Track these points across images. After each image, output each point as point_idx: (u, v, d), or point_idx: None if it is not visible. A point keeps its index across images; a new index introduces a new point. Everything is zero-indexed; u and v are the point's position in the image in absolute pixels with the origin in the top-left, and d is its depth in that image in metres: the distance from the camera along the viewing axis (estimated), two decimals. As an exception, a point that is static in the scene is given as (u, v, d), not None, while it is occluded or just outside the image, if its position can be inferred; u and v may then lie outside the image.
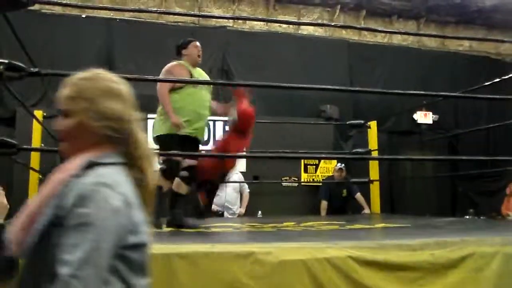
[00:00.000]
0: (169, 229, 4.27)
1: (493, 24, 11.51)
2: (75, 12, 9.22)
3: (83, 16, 9.24)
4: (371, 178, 7.22)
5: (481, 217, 8.76)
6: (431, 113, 10.71)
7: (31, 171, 6.15)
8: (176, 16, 9.82)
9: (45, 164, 6.41)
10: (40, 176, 6.15)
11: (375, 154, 7.25)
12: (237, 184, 7.67)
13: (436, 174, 10.71)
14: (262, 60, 9.74)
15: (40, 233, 1.38)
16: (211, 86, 5.12)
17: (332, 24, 10.45)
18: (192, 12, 10.11)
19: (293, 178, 8.81)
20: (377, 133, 7.49)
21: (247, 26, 10.36)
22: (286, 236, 3.71)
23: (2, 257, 2.24)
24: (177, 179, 4.53)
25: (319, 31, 10.97)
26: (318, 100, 9.69)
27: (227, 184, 6.79)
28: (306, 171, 9.00)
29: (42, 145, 6.28)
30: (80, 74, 1.59)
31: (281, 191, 8.36)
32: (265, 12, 10.61)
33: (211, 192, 5.66)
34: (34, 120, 6.04)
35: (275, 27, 10.60)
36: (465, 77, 10.60)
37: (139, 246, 1.42)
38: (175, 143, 4.45)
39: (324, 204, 7.99)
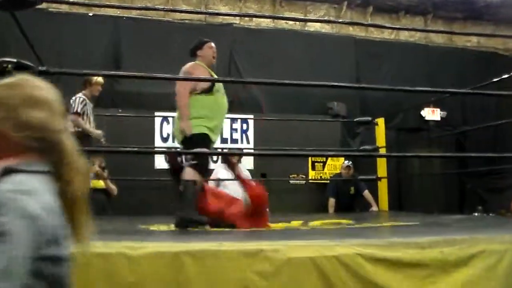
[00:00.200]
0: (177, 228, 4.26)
1: (501, 20, 11.44)
2: (82, 10, 9.25)
3: (90, 14, 9.27)
4: (379, 175, 7.21)
5: (490, 214, 8.73)
6: (439, 109, 10.68)
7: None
8: (182, 14, 9.82)
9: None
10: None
11: (382, 151, 7.23)
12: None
13: (444, 171, 10.67)
14: (269, 57, 9.73)
15: None
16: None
17: (339, 20, 10.44)
18: (199, 10, 10.11)
19: (300, 175, 8.80)
20: (385, 130, 7.48)
21: (254, 23, 10.35)
22: (294, 234, 3.70)
23: None
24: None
25: (325, 28, 10.94)
26: (325, 97, 9.67)
27: (234, 182, 6.77)
28: (313, 168, 8.99)
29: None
30: (3, 81, 1.49)
31: (289, 189, 8.36)
32: (272, 9, 10.60)
33: None
34: (42, 119, 6.04)
35: (282, 24, 10.58)
36: (473, 73, 10.54)
37: (59, 260, 1.33)
38: (207, 144, 4.39)
39: (331, 201, 7.97)
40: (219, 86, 4.63)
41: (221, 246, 2.61)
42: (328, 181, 8.44)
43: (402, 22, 11.24)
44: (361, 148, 7.38)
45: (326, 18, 10.97)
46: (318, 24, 10.93)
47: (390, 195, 7.46)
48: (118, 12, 9.37)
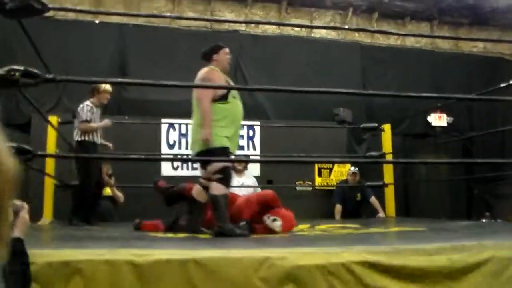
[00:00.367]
0: (184, 235, 4.26)
1: (507, 25, 11.41)
2: (88, 18, 9.30)
3: (96, 21, 9.31)
4: (386, 182, 7.18)
5: (498, 220, 8.68)
6: (445, 115, 10.65)
7: (46, 177, 6.18)
8: (188, 21, 9.86)
9: (60, 169, 6.46)
10: (55, 182, 6.19)
11: (389, 157, 7.21)
12: (251, 189, 7.66)
13: (451, 177, 10.63)
14: (274, 63, 9.75)
15: None
16: None
17: (345, 27, 10.44)
18: (205, 17, 10.14)
19: (307, 182, 8.79)
20: (391, 136, 7.46)
21: (260, 30, 10.38)
22: (301, 241, 3.69)
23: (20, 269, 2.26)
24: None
25: (331, 34, 10.95)
26: (331, 104, 9.66)
27: (241, 188, 6.77)
28: (320, 175, 8.97)
29: (57, 150, 6.32)
30: None
31: (295, 195, 8.33)
32: (278, 16, 10.62)
33: None
34: (49, 126, 6.08)
35: (288, 30, 10.60)
36: (479, 79, 10.54)
37: None
38: (227, 156, 4.33)
39: (338, 208, 7.95)
40: (235, 92, 4.55)
41: (228, 253, 2.61)
42: (335, 188, 8.41)
43: (408, 28, 11.24)
44: (368, 154, 7.35)
45: (331, 24, 10.99)
46: (324, 30, 10.95)
47: (396, 201, 7.43)
48: (124, 20, 9.42)
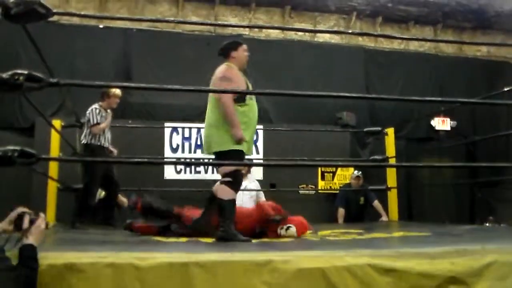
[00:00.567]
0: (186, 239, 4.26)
1: (511, 29, 11.40)
2: (92, 22, 9.34)
3: (101, 26, 9.35)
4: (389, 185, 7.18)
5: (501, 225, 8.65)
6: (449, 119, 10.64)
7: (49, 180, 6.20)
8: (192, 25, 9.88)
9: (63, 173, 6.47)
10: (59, 185, 6.20)
11: (392, 161, 7.20)
12: (254, 192, 7.65)
13: (455, 181, 10.61)
14: (278, 68, 9.75)
15: None
16: None
17: (349, 31, 10.45)
18: (209, 21, 10.18)
19: (310, 185, 8.78)
20: (395, 140, 7.45)
21: (263, 34, 10.39)
22: (304, 244, 3.69)
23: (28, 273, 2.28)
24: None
25: (335, 39, 10.96)
26: (335, 107, 9.67)
27: (244, 192, 6.77)
28: (323, 178, 8.97)
29: (61, 154, 6.33)
30: None
31: (298, 199, 8.33)
32: (281, 20, 10.64)
33: None
34: (53, 130, 6.10)
35: (291, 35, 10.62)
36: (483, 83, 10.53)
37: None
38: (240, 160, 4.21)
39: (341, 211, 7.94)
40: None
41: (231, 257, 2.61)
42: (338, 191, 8.40)
43: (411, 32, 11.24)
44: (371, 158, 7.35)
45: (335, 28, 11.00)
46: (328, 34, 10.96)
47: (400, 205, 7.42)
48: (129, 24, 9.45)
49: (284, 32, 10.56)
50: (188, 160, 8.62)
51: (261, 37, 10.30)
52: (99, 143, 6.05)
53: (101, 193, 6.80)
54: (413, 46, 11.41)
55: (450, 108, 9.56)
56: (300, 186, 8.68)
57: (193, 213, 4.57)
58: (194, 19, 10.10)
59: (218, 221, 4.09)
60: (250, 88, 4.44)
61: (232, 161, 4.14)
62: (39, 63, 3.82)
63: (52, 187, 6.30)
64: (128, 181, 6.79)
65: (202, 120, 8.78)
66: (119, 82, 8.56)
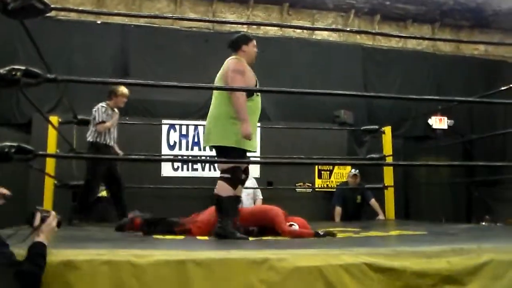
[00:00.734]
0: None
1: (509, 28, 11.42)
2: (90, 18, 9.31)
3: (98, 22, 9.33)
4: (386, 184, 7.18)
5: (498, 224, 8.67)
6: (446, 118, 10.66)
7: (46, 177, 6.19)
8: (190, 22, 9.87)
9: (60, 169, 6.46)
10: (56, 182, 6.19)
11: (389, 159, 7.20)
12: (251, 190, 7.66)
13: (451, 179, 10.63)
14: (276, 65, 9.74)
15: None
16: None
17: (347, 29, 10.46)
18: (207, 18, 10.16)
19: (307, 184, 8.78)
20: (392, 139, 7.45)
21: (262, 31, 10.38)
22: (300, 243, 3.69)
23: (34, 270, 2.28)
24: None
25: (333, 36, 10.97)
26: (332, 105, 9.67)
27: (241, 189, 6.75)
28: (320, 176, 8.97)
29: (58, 150, 6.32)
30: None
31: (295, 197, 8.34)
32: (279, 17, 10.64)
33: None
34: (50, 126, 6.09)
35: (289, 32, 10.60)
36: (481, 82, 10.55)
37: None
38: (241, 157, 4.17)
39: (338, 210, 7.95)
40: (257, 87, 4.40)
41: (228, 255, 2.61)
42: (335, 190, 8.41)
43: (409, 31, 11.25)
44: (368, 156, 7.36)
45: (333, 26, 11.01)
46: (326, 32, 10.97)
47: (396, 203, 7.42)
48: (126, 20, 9.44)
49: (282, 29, 10.54)
50: (185, 158, 8.61)
51: (259, 34, 10.28)
52: (104, 142, 6.05)
53: (101, 191, 6.81)
54: (411, 44, 11.43)
55: (448, 107, 9.57)
56: (297, 184, 8.68)
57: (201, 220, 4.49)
58: (192, 15, 10.08)
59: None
60: (258, 83, 4.38)
61: (229, 159, 4.11)
62: (37, 58, 3.81)
63: (49, 184, 6.28)
64: (125, 178, 6.78)
65: (199, 117, 8.86)
66: (116, 78, 8.55)
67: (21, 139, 5.22)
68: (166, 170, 8.29)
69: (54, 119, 6.25)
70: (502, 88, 5.15)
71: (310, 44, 10.55)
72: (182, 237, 4.14)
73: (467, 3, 10.60)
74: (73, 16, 9.25)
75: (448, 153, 10.18)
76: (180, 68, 9.03)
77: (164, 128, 8.46)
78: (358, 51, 10.81)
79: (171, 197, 7.44)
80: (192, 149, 8.56)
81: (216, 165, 8.15)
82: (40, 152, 3.03)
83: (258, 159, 8.68)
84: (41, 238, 2.41)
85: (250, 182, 7.49)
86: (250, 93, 4.18)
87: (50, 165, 6.28)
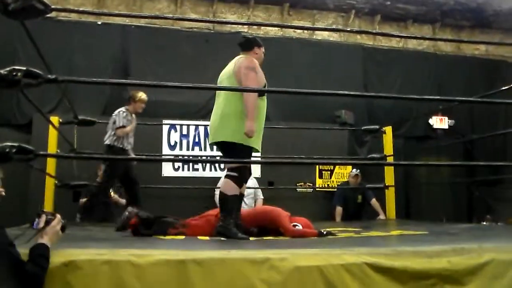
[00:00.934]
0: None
1: (509, 28, 11.41)
2: (91, 19, 9.31)
3: (99, 22, 9.32)
4: (387, 184, 7.17)
5: (499, 223, 8.66)
6: (447, 118, 10.66)
7: (47, 177, 6.19)
8: (191, 22, 9.87)
9: (61, 169, 6.47)
10: (56, 182, 6.19)
11: (390, 159, 7.20)
12: (252, 190, 7.66)
13: (452, 179, 10.63)
14: (276, 65, 9.73)
15: None
16: None
17: (347, 29, 10.45)
18: (207, 18, 10.16)
19: (308, 183, 8.78)
20: (393, 138, 7.44)
21: (262, 31, 10.38)
22: (301, 242, 3.69)
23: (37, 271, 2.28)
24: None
25: (333, 36, 10.96)
26: (333, 106, 9.67)
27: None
28: (321, 176, 8.98)
29: (58, 151, 6.32)
30: None
31: (296, 197, 8.34)
32: (280, 18, 10.63)
33: None
34: (50, 126, 6.09)
35: (290, 32, 10.60)
36: (482, 82, 10.54)
37: None
38: (248, 156, 4.21)
39: (338, 210, 7.95)
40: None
41: (228, 254, 2.61)
42: (336, 190, 8.41)
43: (410, 31, 11.24)
44: (369, 156, 7.35)
45: (334, 26, 11.01)
46: (326, 32, 10.96)
47: (397, 203, 7.42)
48: (127, 21, 9.44)
49: (282, 29, 10.53)
50: (186, 158, 8.61)
51: (260, 35, 10.26)
52: (121, 146, 6.20)
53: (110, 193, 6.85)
54: (412, 44, 11.42)
55: (448, 107, 9.57)
56: (297, 184, 8.69)
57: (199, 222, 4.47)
58: (193, 16, 10.08)
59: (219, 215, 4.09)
60: (267, 84, 4.38)
61: (237, 156, 4.10)
62: (37, 59, 3.81)
63: (49, 184, 6.28)
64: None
65: (200, 117, 8.85)
66: (117, 78, 8.56)
67: (21, 140, 5.22)
68: (167, 170, 8.30)
69: (54, 119, 6.25)
70: (503, 88, 5.14)
71: (310, 44, 10.54)
72: (182, 237, 4.13)
73: (468, 3, 10.60)
74: (73, 16, 9.24)
75: (449, 153, 10.18)
76: (180, 68, 9.04)
77: (165, 128, 8.46)
78: (359, 51, 10.80)
79: (172, 197, 7.44)
80: (192, 149, 8.56)
81: (220, 164, 8.20)
82: (41, 152, 3.03)
83: (259, 159, 8.70)
84: (45, 240, 2.42)
85: (251, 182, 7.49)
86: (261, 92, 4.21)
87: (50, 165, 6.28)
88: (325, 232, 4.27)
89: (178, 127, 8.51)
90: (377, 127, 7.25)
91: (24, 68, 2.77)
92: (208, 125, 4.53)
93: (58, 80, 3.03)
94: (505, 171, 9.15)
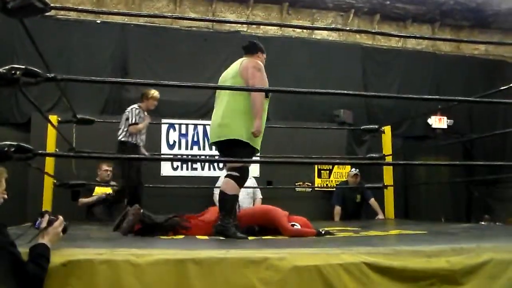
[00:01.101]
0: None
1: (508, 28, 11.42)
2: (90, 17, 9.30)
3: (98, 21, 9.32)
4: (385, 183, 7.17)
5: (497, 223, 8.67)
6: (445, 117, 10.66)
7: (45, 176, 6.18)
8: (190, 21, 9.85)
9: (59, 168, 6.46)
10: (55, 181, 6.19)
11: (389, 159, 7.20)
12: (250, 189, 7.66)
13: (451, 179, 10.63)
14: (276, 64, 9.71)
15: None
16: None
17: (346, 28, 10.45)
18: (206, 17, 10.15)
19: (306, 183, 8.78)
20: (392, 138, 7.45)
21: (261, 30, 10.38)
22: (300, 242, 3.69)
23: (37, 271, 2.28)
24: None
25: (333, 36, 10.96)
26: (332, 105, 9.67)
27: (241, 189, 6.75)
28: (319, 176, 8.98)
29: (57, 150, 6.32)
30: None
31: (295, 197, 8.34)
32: (279, 17, 10.62)
33: None
34: (49, 125, 6.08)
35: (289, 31, 10.59)
36: (481, 81, 10.54)
37: None
38: (250, 156, 4.25)
39: (337, 209, 7.95)
40: None
41: (227, 254, 2.61)
42: (334, 189, 8.41)
43: (409, 30, 11.24)
44: (368, 156, 7.36)
45: (333, 26, 10.99)
46: (325, 32, 10.95)
47: (396, 203, 7.42)
48: (126, 19, 9.42)
49: (281, 28, 10.53)
50: (185, 157, 8.61)
51: (259, 34, 10.27)
52: (135, 142, 6.25)
53: (99, 190, 6.84)
54: (411, 44, 11.42)
55: (447, 107, 9.57)
56: (296, 184, 8.68)
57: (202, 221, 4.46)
58: (192, 15, 10.07)
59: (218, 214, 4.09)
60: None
61: (240, 154, 4.10)
62: (36, 58, 3.80)
63: (48, 183, 6.28)
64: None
65: (199, 116, 8.85)
66: (116, 77, 8.55)
67: (20, 138, 5.21)
68: (166, 169, 8.29)
69: (53, 118, 6.25)
70: (502, 88, 5.15)
71: (309, 43, 10.54)
72: (181, 236, 4.13)
73: (467, 3, 10.59)
74: (72, 15, 9.23)
75: (448, 152, 10.18)
76: (179, 67, 9.03)
77: (164, 128, 8.45)
78: (358, 50, 10.80)
79: (171, 196, 7.43)
80: (191, 148, 8.56)
81: (219, 163, 8.19)
82: (40, 151, 3.03)
83: (258, 158, 8.69)
84: (45, 240, 2.43)
85: (250, 181, 7.47)
86: (266, 93, 4.28)
87: (49, 164, 6.27)
88: (323, 232, 4.27)
89: (177, 126, 8.51)
90: (376, 126, 7.25)
91: (23, 67, 2.76)
92: (207, 124, 4.54)
93: (57, 78, 3.03)
94: (503, 171, 9.15)
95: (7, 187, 2.91)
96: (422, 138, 10.81)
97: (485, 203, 10.76)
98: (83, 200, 6.92)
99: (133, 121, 6.21)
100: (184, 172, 8.43)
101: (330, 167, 8.99)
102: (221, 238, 3.92)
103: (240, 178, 4.13)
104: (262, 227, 4.39)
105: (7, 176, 2.90)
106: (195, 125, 8.39)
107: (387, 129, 7.39)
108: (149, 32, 9.53)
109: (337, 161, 8.81)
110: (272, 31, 10.48)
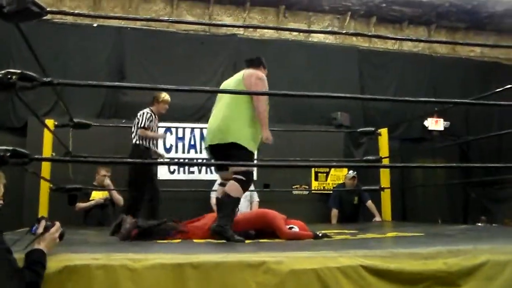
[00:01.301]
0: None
1: (504, 30, 11.46)
2: (86, 21, 9.30)
3: (94, 25, 9.31)
4: (382, 186, 7.18)
5: (494, 224, 8.68)
6: (442, 119, 10.67)
7: (42, 181, 6.17)
8: (187, 25, 9.86)
9: (56, 173, 6.45)
10: (51, 186, 6.18)
11: (386, 161, 7.20)
12: (248, 193, 7.64)
13: (448, 181, 10.65)
14: (272, 67, 9.66)
15: None
16: None
17: (343, 31, 10.45)
18: (203, 21, 10.16)
19: (303, 186, 8.78)
20: (388, 140, 7.46)
21: (258, 34, 10.38)
22: (297, 245, 3.68)
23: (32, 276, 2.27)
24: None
25: (329, 39, 10.97)
26: (329, 108, 9.68)
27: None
28: (316, 179, 8.98)
29: (53, 154, 6.31)
30: None
31: (292, 199, 8.33)
32: (276, 20, 10.64)
33: None
34: (46, 129, 6.07)
35: (286, 34, 10.61)
36: (476, 83, 10.57)
37: None
38: (251, 160, 4.34)
39: (334, 212, 7.96)
40: None
41: (225, 258, 2.60)
42: (331, 192, 8.41)
43: (405, 33, 11.27)
44: (365, 158, 7.36)
45: (329, 29, 11.00)
46: (322, 34, 10.96)
47: (393, 205, 7.43)
48: (123, 23, 9.42)
49: (278, 32, 10.54)
50: (181, 161, 8.60)
51: (256, 37, 10.29)
52: (147, 145, 6.27)
53: (96, 195, 6.82)
54: (407, 46, 11.44)
55: (444, 109, 9.59)
56: (293, 187, 8.68)
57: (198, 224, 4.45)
58: (189, 18, 10.08)
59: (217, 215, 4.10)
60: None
61: (241, 158, 4.11)
62: (32, 62, 3.80)
63: (44, 188, 6.27)
64: (122, 182, 6.78)
65: (196, 120, 8.83)
66: (112, 81, 8.54)
67: (16, 143, 5.20)
68: (163, 173, 8.28)
69: (49, 122, 6.24)
70: (497, 90, 5.16)
71: (306, 46, 10.55)
72: (178, 241, 4.12)
73: (463, 5, 10.62)
74: (69, 19, 9.21)
75: (444, 154, 10.21)
76: (176, 70, 9.03)
77: (160, 131, 8.43)
78: (354, 53, 10.82)
79: (168, 200, 7.41)
80: (188, 152, 8.55)
81: (209, 169, 8.16)
82: (36, 156, 3.02)
83: (255, 161, 8.69)
84: (42, 246, 2.41)
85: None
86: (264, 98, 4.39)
87: (45, 168, 6.26)
88: (320, 235, 4.27)
89: (173, 130, 8.50)
90: (372, 129, 7.26)
91: (19, 71, 2.76)
92: (204, 128, 4.58)
93: (53, 83, 3.03)
94: (500, 172, 9.17)
95: (5, 193, 2.90)
96: (419, 140, 10.82)
97: (481, 205, 10.77)
98: (81, 204, 6.88)
99: (143, 125, 6.20)
100: (181, 175, 8.42)
101: (327, 169, 8.99)
102: (218, 241, 3.91)
103: (245, 182, 4.16)
104: (259, 231, 4.38)
105: (5, 181, 2.89)
106: (192, 129, 8.39)
107: (384, 131, 7.40)
108: (146, 35, 9.53)
109: (334, 163, 8.81)
110: (269, 34, 10.49)
